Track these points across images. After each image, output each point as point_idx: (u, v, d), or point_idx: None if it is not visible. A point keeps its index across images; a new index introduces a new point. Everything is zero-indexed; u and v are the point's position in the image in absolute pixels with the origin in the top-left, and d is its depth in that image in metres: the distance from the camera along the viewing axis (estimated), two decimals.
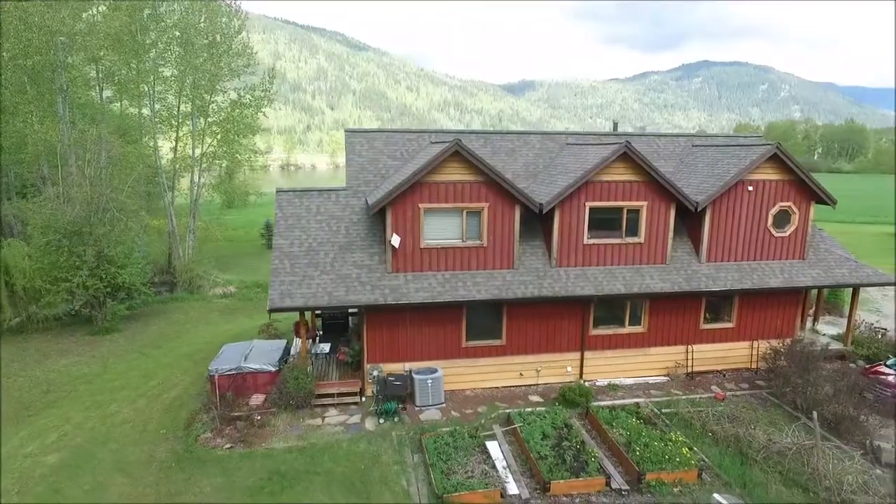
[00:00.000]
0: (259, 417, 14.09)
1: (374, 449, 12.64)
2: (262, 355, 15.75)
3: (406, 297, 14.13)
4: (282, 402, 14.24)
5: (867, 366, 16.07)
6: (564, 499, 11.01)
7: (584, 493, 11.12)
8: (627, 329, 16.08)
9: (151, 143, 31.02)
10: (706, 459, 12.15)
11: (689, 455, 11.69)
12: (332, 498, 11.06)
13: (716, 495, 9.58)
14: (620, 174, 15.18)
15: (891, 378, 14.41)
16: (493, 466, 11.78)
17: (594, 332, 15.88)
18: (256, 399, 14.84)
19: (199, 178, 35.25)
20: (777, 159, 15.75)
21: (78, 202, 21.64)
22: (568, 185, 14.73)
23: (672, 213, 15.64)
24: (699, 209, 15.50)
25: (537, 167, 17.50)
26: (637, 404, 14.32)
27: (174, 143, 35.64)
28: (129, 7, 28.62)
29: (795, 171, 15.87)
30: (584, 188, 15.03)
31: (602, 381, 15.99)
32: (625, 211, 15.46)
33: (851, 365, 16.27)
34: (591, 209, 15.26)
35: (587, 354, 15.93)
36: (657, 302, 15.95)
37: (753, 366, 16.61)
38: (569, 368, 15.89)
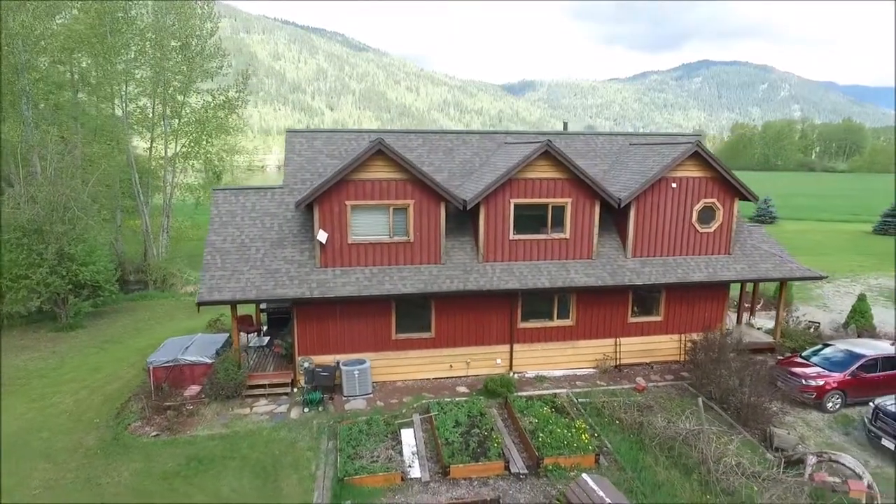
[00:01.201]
0: (191, 407, 14.62)
1: (293, 436, 13.16)
2: (201, 348, 16.28)
3: (333, 291, 14.64)
4: (213, 393, 14.77)
5: (782, 357, 16.55)
6: (463, 482, 11.51)
7: (482, 476, 11.62)
8: (556, 322, 16.57)
9: (122, 144, 31.51)
10: (608, 445, 12.65)
11: (587, 441, 12.18)
12: (240, 481, 11.58)
13: (584, 475, 10.05)
14: (544, 172, 15.67)
15: (800, 369, 14.87)
16: (401, 452, 12.29)
17: (523, 325, 16.37)
18: (192, 390, 15.35)
19: (173, 178, 35.82)
20: (698, 157, 16.22)
21: (38, 201, 22.20)
22: (491, 183, 15.23)
23: (597, 209, 16.13)
24: (622, 206, 15.98)
25: (473, 165, 18.00)
26: (555, 394, 14.81)
27: (149, 143, 36.25)
28: (98, 9, 29.17)
29: (716, 168, 16.34)
30: (508, 185, 15.53)
31: (531, 373, 16.49)
32: (550, 207, 15.95)
33: (761, 357, 16.79)
34: (517, 206, 15.75)
35: (516, 347, 16.42)
36: (585, 296, 16.43)
37: (682, 358, 17.08)
38: (498, 361, 16.38)
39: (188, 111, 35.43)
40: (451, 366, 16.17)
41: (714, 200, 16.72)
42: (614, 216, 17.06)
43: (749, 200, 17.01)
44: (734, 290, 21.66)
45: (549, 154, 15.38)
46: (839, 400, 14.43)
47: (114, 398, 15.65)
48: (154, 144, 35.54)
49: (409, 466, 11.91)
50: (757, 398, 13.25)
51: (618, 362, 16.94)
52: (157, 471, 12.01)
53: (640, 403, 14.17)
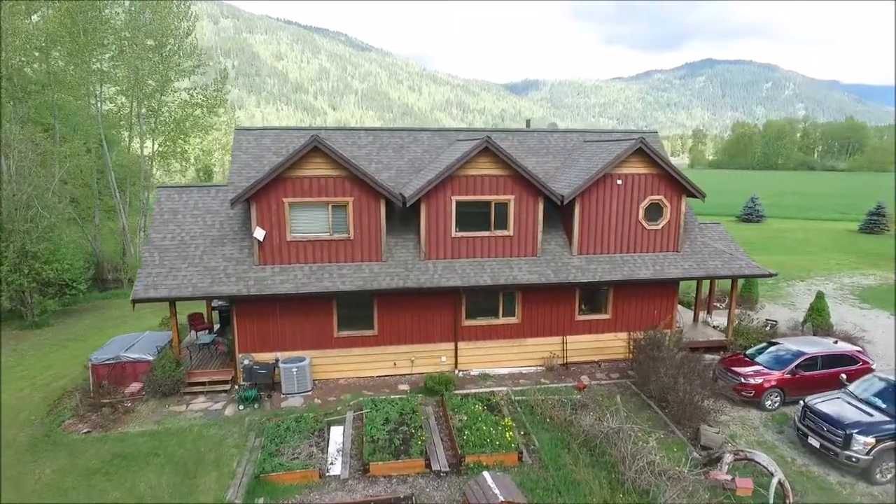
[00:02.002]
0: (129, 404, 14.64)
1: (223, 433, 13.15)
2: (146, 346, 16.28)
3: (270, 289, 14.62)
4: (152, 390, 14.77)
5: (727, 355, 16.45)
6: (383, 479, 11.47)
7: (403, 474, 11.57)
8: (501, 320, 16.50)
9: (92, 143, 31.56)
10: (536, 443, 12.58)
11: (511, 439, 12.11)
12: (159, 478, 11.56)
13: (485, 473, 9.98)
14: (486, 169, 15.61)
15: (741, 368, 14.75)
16: (325, 450, 12.26)
17: (468, 322, 16.31)
18: (134, 387, 15.36)
19: (150, 177, 35.87)
20: (643, 154, 16.12)
21: None
22: (431, 180, 15.17)
23: (540, 206, 16.05)
24: (565, 203, 15.90)
25: (423, 163, 17.94)
26: (493, 392, 14.74)
27: (127, 142, 36.33)
28: (70, 8, 29.20)
29: (662, 165, 16.24)
30: (449, 183, 15.47)
31: (476, 371, 16.43)
32: (493, 205, 15.88)
33: (711, 355, 16.70)
34: (458, 203, 15.69)
35: (461, 345, 16.36)
36: (530, 294, 16.36)
37: (630, 357, 16.98)
38: (443, 358, 16.33)
39: (165, 111, 35.46)
40: (395, 363, 16.13)
41: (661, 197, 16.61)
42: (561, 214, 16.99)
43: (696, 197, 16.89)
44: (691, 288, 21.58)
45: (490, 151, 15.31)
46: (778, 398, 14.31)
47: (56, 395, 15.67)
48: (131, 143, 35.65)
49: (331, 464, 11.89)
50: (690, 396, 13.14)
51: (565, 360, 16.86)
52: (81, 468, 12.02)
53: (575, 402, 14.09)
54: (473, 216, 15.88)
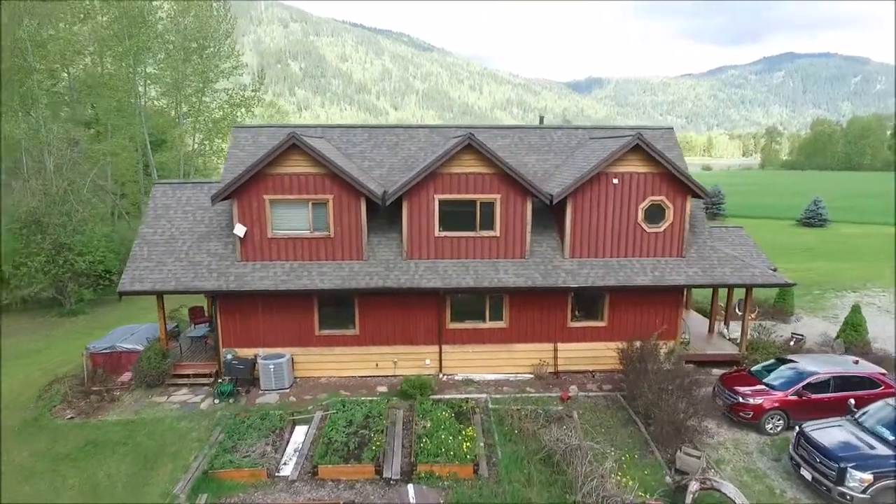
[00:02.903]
0: (118, 393, 15.14)
1: (191, 427, 13.32)
2: (142, 337, 16.80)
3: (249, 285, 14.71)
4: (138, 380, 15.22)
5: (730, 371, 15.08)
6: (331, 483, 11.22)
7: (352, 479, 11.28)
8: (488, 324, 15.88)
9: (137, 142, 33.21)
10: (499, 455, 11.95)
11: (467, 450, 11.54)
12: (119, 467, 11.84)
13: (409, 485, 9.48)
14: (471, 167, 15.04)
15: (741, 386, 13.45)
16: (282, 449, 12.15)
17: (452, 325, 15.81)
18: (126, 376, 15.88)
19: (190, 174, 37.42)
20: (641, 151, 15.04)
21: (36, 194, 23.78)
22: (412, 177, 14.78)
23: (528, 206, 15.30)
24: (555, 203, 15.09)
25: (417, 161, 17.54)
26: (467, 399, 14.17)
27: (171, 140, 38.04)
28: (120, 8, 30.69)
29: (663, 163, 15.08)
30: (431, 180, 15.02)
31: (460, 376, 15.90)
32: (478, 204, 15.29)
33: (719, 370, 15.41)
34: (442, 202, 15.21)
35: (446, 348, 15.89)
36: (518, 297, 15.65)
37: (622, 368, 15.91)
38: (428, 361, 15.90)
39: (205, 110, 36.86)
40: (377, 364, 15.86)
41: (662, 198, 15.46)
42: (555, 215, 16.15)
43: (701, 198, 15.61)
44: (704, 296, 20.09)
45: (473, 148, 14.73)
46: (781, 422, 12.94)
47: (57, 380, 16.40)
48: (174, 142, 37.31)
49: (284, 464, 11.76)
50: (673, 414, 12.08)
51: (556, 369, 16.02)
52: (54, 453, 12.50)
53: (551, 413, 13.32)
54: (458, 215, 15.35)
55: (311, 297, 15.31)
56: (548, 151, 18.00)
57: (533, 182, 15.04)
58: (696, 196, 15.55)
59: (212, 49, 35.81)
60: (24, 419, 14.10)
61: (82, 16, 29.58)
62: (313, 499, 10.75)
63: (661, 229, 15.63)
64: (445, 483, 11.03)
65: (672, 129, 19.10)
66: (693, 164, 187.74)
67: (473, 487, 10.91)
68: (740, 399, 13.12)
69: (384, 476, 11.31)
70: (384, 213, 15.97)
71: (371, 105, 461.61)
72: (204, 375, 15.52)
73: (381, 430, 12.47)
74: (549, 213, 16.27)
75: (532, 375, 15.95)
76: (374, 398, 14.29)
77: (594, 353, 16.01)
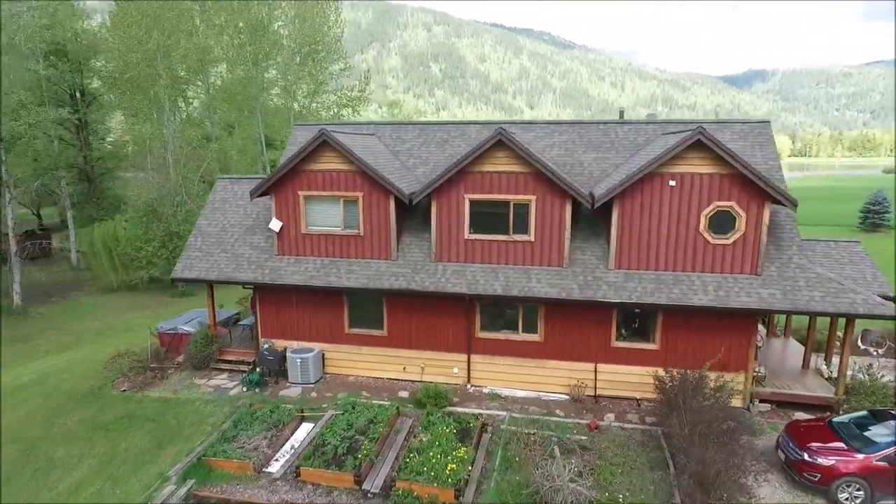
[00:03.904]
0: (171, 371, 16.39)
1: (213, 411, 13.91)
2: (205, 321, 18.04)
3: (282, 279, 15.04)
4: (188, 362, 16.32)
5: (800, 420, 12.19)
6: (311, 486, 10.98)
7: (332, 485, 10.94)
8: (521, 336, 14.62)
9: (254, 141, 36.17)
10: (492, 483, 10.83)
11: (450, 472, 10.57)
12: (139, 441, 12.69)
13: None
14: (503, 165, 13.91)
15: (815, 442, 10.80)
16: (279, 445, 12.16)
17: (482, 334, 14.80)
18: (182, 357, 17.15)
19: None
20: (704, 148, 12.76)
21: (154, 187, 26.83)
22: (439, 176, 14.04)
23: (567, 209, 13.77)
24: (596, 205, 13.40)
25: None
26: (479, 416, 13.09)
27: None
28: (246, 18, 33.61)
29: (733, 163, 12.66)
30: (462, 179, 14.14)
31: (487, 389, 14.84)
32: (511, 205, 14.10)
33: (803, 414, 12.57)
34: (473, 202, 14.26)
35: (475, 358, 14.93)
36: (554, 309, 14.20)
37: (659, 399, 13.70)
38: (455, 370, 15.08)
39: (315, 111, 39.07)
40: (404, 368, 15.38)
41: (732, 204, 13.00)
42: (605, 220, 14.38)
43: (784, 205, 12.87)
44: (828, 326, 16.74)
45: (504, 144, 13.59)
46: (860, 493, 10.16)
47: (134, 354, 18.19)
48: (286, 142, 40.02)
49: (276, 460, 11.76)
50: (703, 465, 10.03)
51: (595, 392, 14.29)
52: (97, 421, 13.78)
53: (567, 443, 11.81)
54: (490, 217, 14.29)
55: (342, 295, 15.25)
56: (609, 149, 16.14)
57: (572, 183, 13.49)
58: (776, 202, 12.88)
59: (323, 53, 37.78)
60: (91, 387, 15.77)
61: (201, 26, 32.78)
62: (287, 500, 10.57)
63: (730, 241, 13.17)
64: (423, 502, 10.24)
65: (768, 122, 16.11)
66: (874, 165, 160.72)
67: None
68: (806, 456, 10.55)
69: (363, 487, 10.80)
70: (419, 213, 15.42)
71: (507, 104, 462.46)
72: (244, 363, 16.20)
73: (376, 438, 11.97)
74: (599, 219, 14.55)
75: (567, 396, 14.39)
76: (385, 403, 13.84)
77: (641, 379, 13.99)
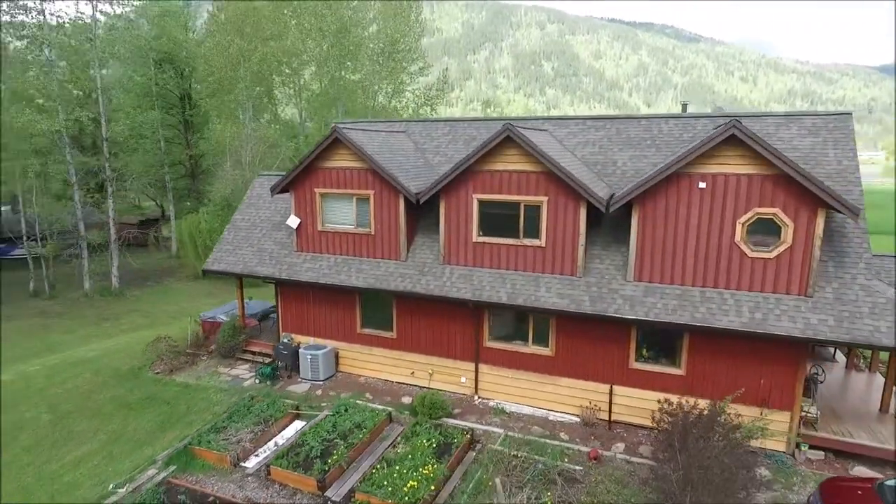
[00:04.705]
0: (204, 357, 17.25)
1: (221, 400, 14.35)
2: (250, 310, 18.78)
3: (297, 275, 15.18)
4: (216, 350, 17.06)
5: (841, 477, 9.87)
6: (278, 486, 10.87)
7: (297, 487, 10.74)
8: (531, 348, 13.50)
9: None
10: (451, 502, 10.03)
11: (408, 490, 9.88)
12: (149, 423, 13.41)
13: None
14: (514, 163, 12.88)
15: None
16: (263, 440, 12.20)
17: (490, 343, 13.88)
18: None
19: None
20: (740, 143, 10.86)
21: (229, 183, 28.65)
22: (445, 174, 13.33)
23: (582, 212, 12.43)
24: (612, 209, 11.96)
25: None
26: (469, 431, 12.19)
27: None
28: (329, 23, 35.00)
29: (776, 162, 10.64)
30: (470, 178, 13.32)
31: (494, 402, 13.89)
32: (522, 207, 13.02)
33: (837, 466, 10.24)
34: (482, 202, 13.38)
35: (483, 368, 14.05)
36: (566, 322, 12.93)
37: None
38: (463, 379, 14.30)
39: (395, 110, 39.68)
40: (413, 373, 14.87)
41: (776, 211, 10.96)
42: (628, 226, 12.82)
43: (841, 213, 10.60)
44: None
45: (514, 141, 12.57)
46: None
47: (178, 338, 19.42)
48: None
49: (255, 455, 11.80)
50: None
51: (609, 417, 12.81)
52: (124, 400, 14.78)
53: (551, 470, 10.62)
54: (500, 219, 13.33)
55: (354, 294, 15.08)
56: (649, 146, 14.44)
57: (584, 183, 12.13)
58: (832, 209, 10.66)
59: (402, 53, 38.21)
60: (133, 367, 17.00)
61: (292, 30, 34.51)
62: (251, 497, 10.52)
63: (772, 254, 11.12)
64: None
65: (849, 114, 13.51)
66: None
67: None
68: None
69: (326, 494, 10.47)
70: (434, 213, 14.78)
71: (622, 102, 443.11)
72: (266, 355, 16.60)
73: (353, 444, 11.59)
74: (624, 225, 13.01)
75: (578, 419, 13.05)
76: (380, 408, 13.42)
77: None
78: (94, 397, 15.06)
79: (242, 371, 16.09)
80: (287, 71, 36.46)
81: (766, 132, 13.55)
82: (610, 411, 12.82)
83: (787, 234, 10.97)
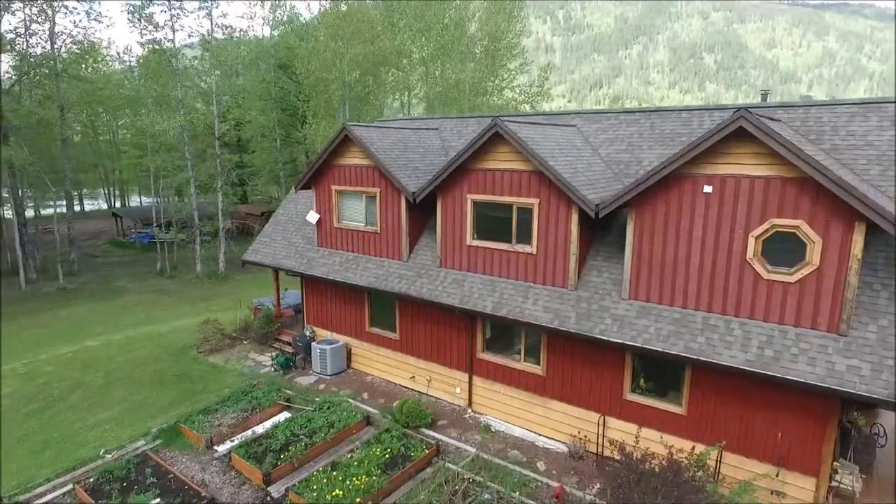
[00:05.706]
0: (245, 342, 18.42)
1: (234, 383, 15.12)
2: (289, 300, 19.77)
3: (311, 270, 15.51)
4: (253, 336, 18.09)
5: None
6: (234, 473, 11.16)
7: (247, 476, 10.94)
8: (522, 365, 12.31)
9: None
10: None
11: (332, 499, 9.49)
12: (170, 396, 14.59)
13: None
14: (506, 161, 11.79)
15: None
16: (242, 427, 12.61)
17: (483, 355, 12.93)
18: None
19: None
20: (752, 139, 8.73)
21: None
22: (438, 172, 12.64)
23: (574, 217, 10.98)
24: (601, 215, 10.39)
25: None
26: (432, 445, 11.40)
27: None
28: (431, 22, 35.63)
29: (797, 162, 8.38)
30: (465, 177, 12.47)
31: (484, 418, 12.90)
32: (515, 209, 11.88)
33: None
34: (476, 203, 12.45)
35: (476, 380, 13.14)
36: (558, 340, 11.57)
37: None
38: (458, 390, 13.51)
39: (494, 107, 39.07)
40: (413, 377, 14.41)
41: (799, 223, 8.67)
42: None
43: (881, 226, 8.01)
44: None
45: (502, 136, 11.50)
46: None
47: (232, 322, 20.82)
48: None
49: (230, 441, 12.22)
50: None
51: (599, 451, 11.20)
52: (163, 374, 16.28)
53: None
54: (494, 222, 12.32)
55: (363, 292, 15.01)
56: (683, 143, 12.33)
57: (571, 184, 10.69)
58: (872, 224, 8.15)
59: (503, 51, 37.47)
60: (185, 345, 18.66)
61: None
62: (205, 480, 10.92)
63: (794, 277, 8.83)
64: None
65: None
66: None
67: None
68: None
69: (268, 489, 10.51)
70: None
71: (797, 96, 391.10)
72: (291, 345, 17.20)
73: (314, 443, 11.49)
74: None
75: (566, 448, 11.61)
76: (363, 408, 13.22)
77: (657, 449, 10.33)
78: (142, 369, 16.79)
79: (267, 358, 16.85)
80: (397, 71, 37.66)
81: (833, 124, 10.88)
82: (600, 444, 11.22)
83: (814, 253, 8.63)
